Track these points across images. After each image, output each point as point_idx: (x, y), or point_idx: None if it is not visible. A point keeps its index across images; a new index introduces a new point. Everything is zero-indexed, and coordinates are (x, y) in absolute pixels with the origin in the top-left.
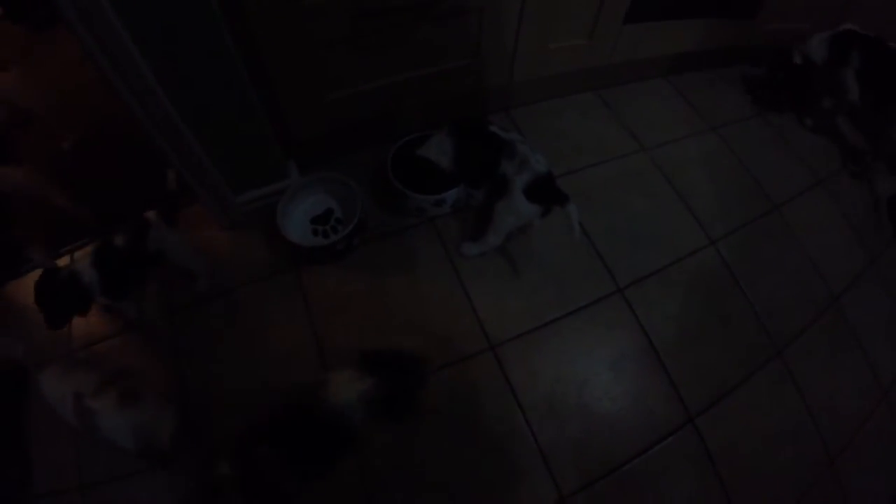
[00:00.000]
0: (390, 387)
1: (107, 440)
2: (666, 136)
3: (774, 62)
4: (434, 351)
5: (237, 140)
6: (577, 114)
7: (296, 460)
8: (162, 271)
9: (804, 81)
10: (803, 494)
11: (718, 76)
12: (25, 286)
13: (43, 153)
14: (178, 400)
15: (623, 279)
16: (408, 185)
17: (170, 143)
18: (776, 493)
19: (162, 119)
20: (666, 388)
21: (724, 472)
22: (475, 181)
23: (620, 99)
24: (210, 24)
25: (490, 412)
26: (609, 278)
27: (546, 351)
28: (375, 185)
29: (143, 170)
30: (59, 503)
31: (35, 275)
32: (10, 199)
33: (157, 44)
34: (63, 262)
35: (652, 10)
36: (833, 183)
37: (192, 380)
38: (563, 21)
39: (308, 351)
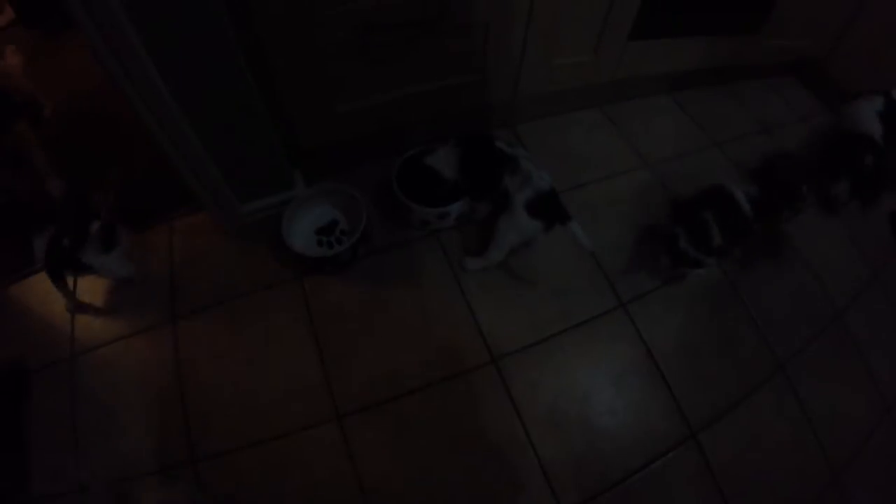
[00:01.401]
0: (769, 193)
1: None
2: (669, 152)
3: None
4: (436, 363)
5: (245, 150)
6: (582, 130)
7: (722, 232)
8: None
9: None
10: None
11: (722, 92)
12: (27, 288)
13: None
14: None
15: (625, 294)
16: (412, 198)
17: (178, 151)
18: None
19: (171, 127)
20: (668, 402)
21: (726, 487)
22: (478, 194)
23: (624, 115)
24: (220, 35)
25: (490, 425)
26: (611, 293)
27: (548, 364)
28: (380, 197)
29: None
30: None
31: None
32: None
33: (168, 54)
34: None
35: (656, 27)
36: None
37: (195, 386)
38: (568, 37)
39: (310, 359)
